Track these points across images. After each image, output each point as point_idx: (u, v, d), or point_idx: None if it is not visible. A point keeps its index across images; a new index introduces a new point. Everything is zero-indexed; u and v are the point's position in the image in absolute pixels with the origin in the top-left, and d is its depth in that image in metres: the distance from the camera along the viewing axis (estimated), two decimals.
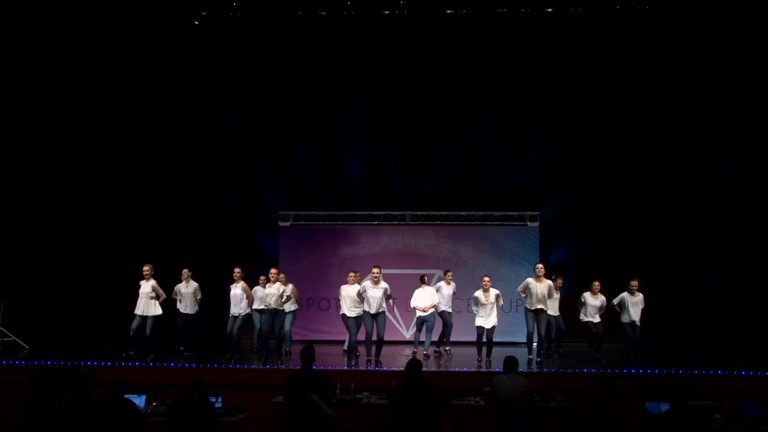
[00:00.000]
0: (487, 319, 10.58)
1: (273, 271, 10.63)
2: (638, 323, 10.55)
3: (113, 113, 13.16)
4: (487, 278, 10.74)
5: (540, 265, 10.64)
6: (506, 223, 13.54)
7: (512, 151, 13.75)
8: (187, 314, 11.07)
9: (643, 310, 10.60)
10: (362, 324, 10.24)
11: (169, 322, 10.97)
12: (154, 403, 7.55)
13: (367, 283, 10.31)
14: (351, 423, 7.66)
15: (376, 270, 10.30)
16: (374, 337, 10.23)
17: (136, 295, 10.76)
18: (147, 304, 10.68)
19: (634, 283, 10.60)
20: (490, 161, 13.77)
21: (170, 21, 12.86)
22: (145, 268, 10.79)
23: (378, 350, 10.29)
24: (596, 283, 11.06)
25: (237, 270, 10.63)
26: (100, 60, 12.90)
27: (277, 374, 9.04)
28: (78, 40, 12.69)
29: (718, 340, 12.03)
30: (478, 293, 10.69)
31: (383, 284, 10.29)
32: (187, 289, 11.06)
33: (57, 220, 12.80)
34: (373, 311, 10.19)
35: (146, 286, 10.71)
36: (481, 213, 13.54)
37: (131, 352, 10.37)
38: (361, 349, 10.38)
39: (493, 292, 10.64)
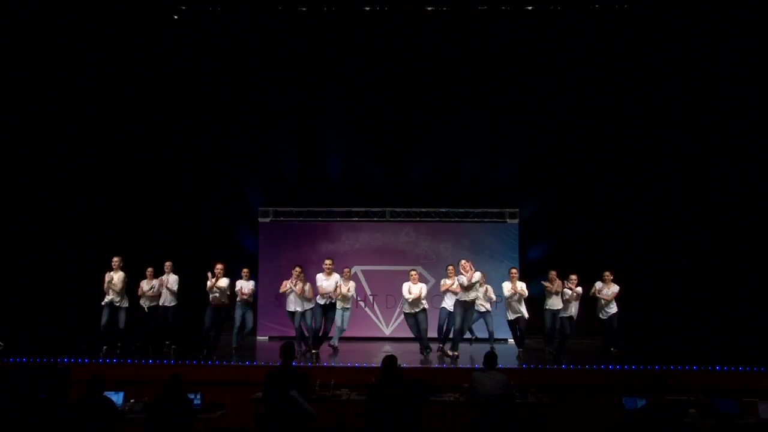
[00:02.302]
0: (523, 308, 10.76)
1: (218, 266, 10.37)
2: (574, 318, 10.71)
3: (90, 107, 12.99)
4: (514, 269, 10.94)
5: (464, 261, 10.40)
6: (486, 219, 13.59)
7: (492, 148, 13.78)
8: (168, 307, 10.99)
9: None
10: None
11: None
12: (131, 401, 7.48)
13: (319, 276, 10.50)
14: (330, 420, 7.65)
15: (328, 261, 10.56)
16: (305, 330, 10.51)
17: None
18: (120, 295, 10.63)
19: (573, 277, 10.66)
20: (469, 158, 13.80)
21: (149, 15, 12.73)
22: (115, 259, 10.73)
23: (314, 341, 10.38)
24: (606, 273, 10.98)
25: (298, 269, 10.60)
26: (77, 55, 12.72)
27: (256, 371, 8.99)
28: (54, 35, 12.49)
29: (692, 336, 12.20)
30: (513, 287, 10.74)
31: (336, 276, 10.48)
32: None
33: (30, 216, 12.61)
34: (322, 302, 10.42)
35: (117, 277, 10.60)
36: (460, 210, 13.58)
37: (105, 347, 10.31)
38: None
39: (519, 284, 10.73)
